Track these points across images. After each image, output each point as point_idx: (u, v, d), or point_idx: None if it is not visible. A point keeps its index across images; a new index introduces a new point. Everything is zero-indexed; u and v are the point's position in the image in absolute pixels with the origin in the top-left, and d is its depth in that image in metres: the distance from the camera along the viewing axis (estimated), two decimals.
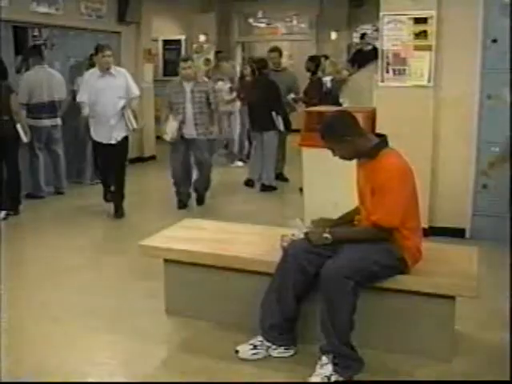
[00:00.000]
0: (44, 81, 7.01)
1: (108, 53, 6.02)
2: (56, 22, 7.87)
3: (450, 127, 5.25)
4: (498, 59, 5.06)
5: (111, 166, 6.33)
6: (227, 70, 9.49)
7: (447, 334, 3.17)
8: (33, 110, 6.90)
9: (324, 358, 3.00)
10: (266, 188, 7.50)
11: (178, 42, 12.93)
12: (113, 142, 6.15)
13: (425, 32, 5.14)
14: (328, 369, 2.97)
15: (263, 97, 7.29)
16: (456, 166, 5.29)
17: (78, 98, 6.24)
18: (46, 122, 7.07)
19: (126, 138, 6.26)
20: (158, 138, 8.74)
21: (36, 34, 7.90)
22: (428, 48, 5.15)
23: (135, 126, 6.22)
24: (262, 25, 14.65)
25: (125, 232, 5.81)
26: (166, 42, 12.86)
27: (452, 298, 3.13)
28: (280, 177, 7.98)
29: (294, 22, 14.42)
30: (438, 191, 5.35)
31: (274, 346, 3.22)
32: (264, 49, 8.94)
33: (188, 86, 6.38)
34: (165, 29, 12.52)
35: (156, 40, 12.08)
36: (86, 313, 3.87)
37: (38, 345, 3.43)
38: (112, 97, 6.06)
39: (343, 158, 3.17)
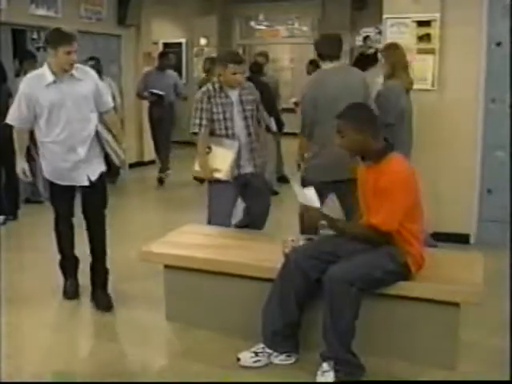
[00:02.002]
0: None
1: (74, 46, 3.72)
2: (55, 24, 7.85)
3: (454, 131, 5.25)
4: (502, 62, 5.06)
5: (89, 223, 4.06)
6: None
7: (451, 341, 3.17)
8: None
9: (325, 365, 3.01)
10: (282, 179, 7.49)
11: (179, 45, 12.96)
12: (84, 183, 3.95)
13: (428, 35, 5.16)
14: (329, 376, 2.97)
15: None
16: (460, 170, 5.28)
17: (9, 119, 3.89)
18: None
19: (103, 175, 4.02)
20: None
21: (35, 37, 7.92)
22: (431, 51, 5.16)
23: (122, 155, 4.03)
24: (264, 27, 14.68)
25: (125, 237, 5.81)
26: (166, 45, 12.88)
27: (457, 304, 3.13)
28: (282, 179, 8.02)
29: (296, 25, 14.44)
30: (442, 196, 5.34)
31: (275, 353, 3.22)
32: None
33: (234, 94, 4.31)
34: (165, 32, 12.56)
35: (156, 43, 12.11)
36: (86, 319, 3.87)
37: (38, 352, 3.43)
38: (77, 112, 3.82)
39: (346, 148, 3.15)
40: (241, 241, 3.85)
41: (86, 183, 3.92)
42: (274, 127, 7.33)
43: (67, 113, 3.78)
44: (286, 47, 15.21)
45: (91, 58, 8.00)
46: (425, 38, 5.15)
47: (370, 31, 11.94)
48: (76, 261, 4.24)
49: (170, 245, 3.81)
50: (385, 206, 2.98)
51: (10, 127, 3.75)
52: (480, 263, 3.40)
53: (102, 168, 3.99)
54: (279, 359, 3.21)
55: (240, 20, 14.18)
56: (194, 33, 13.05)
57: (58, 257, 4.23)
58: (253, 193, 4.45)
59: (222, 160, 4.23)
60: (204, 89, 4.32)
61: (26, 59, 7.07)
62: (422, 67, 5.18)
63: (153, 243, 3.83)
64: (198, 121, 4.26)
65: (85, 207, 4.01)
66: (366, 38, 11.19)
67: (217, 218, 4.29)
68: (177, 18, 12.71)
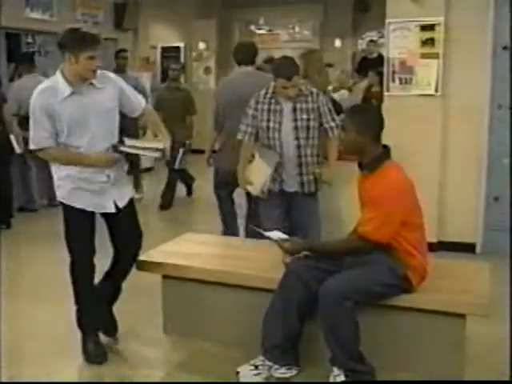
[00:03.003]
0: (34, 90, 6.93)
1: (98, 50, 3.27)
2: (50, 28, 7.92)
3: (459, 138, 5.25)
4: (508, 67, 5.06)
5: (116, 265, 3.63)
6: None
7: (457, 354, 3.15)
8: (23, 121, 6.88)
9: (335, 369, 3.04)
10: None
11: (177, 49, 12.98)
12: (110, 210, 3.46)
13: (432, 39, 5.16)
14: (341, 378, 3.02)
15: None
16: (466, 178, 5.28)
17: (33, 143, 3.32)
18: None
19: (132, 200, 3.59)
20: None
21: (30, 40, 7.95)
22: (435, 56, 5.17)
23: (160, 146, 3.45)
24: (264, 32, 14.72)
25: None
26: (164, 50, 12.90)
27: (462, 316, 3.12)
28: None
29: (297, 29, 14.49)
30: (447, 204, 5.34)
31: (276, 366, 3.20)
32: (265, 57, 8.95)
33: (287, 101, 4.01)
34: (163, 36, 12.58)
35: (154, 47, 12.14)
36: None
37: (33, 361, 3.43)
38: (102, 127, 3.34)
39: (345, 145, 3.19)
40: (240, 250, 3.85)
41: (113, 210, 3.42)
42: None
43: (90, 129, 3.28)
44: (286, 52, 15.18)
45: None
46: (428, 42, 5.16)
47: (372, 35, 11.99)
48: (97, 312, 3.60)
49: (169, 254, 3.80)
50: (376, 216, 2.99)
51: (6, 133, 3.54)
52: (486, 273, 3.39)
53: (131, 193, 3.60)
54: (279, 372, 3.20)
55: (240, 24, 14.22)
56: (193, 37, 13.07)
57: (75, 308, 3.56)
58: (297, 214, 4.16)
59: (258, 173, 4.06)
60: (257, 93, 4.11)
61: (22, 63, 7.05)
62: (425, 72, 5.18)
63: (150, 252, 3.82)
64: (243, 127, 4.14)
65: (116, 239, 3.57)
66: (369, 43, 11.24)
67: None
68: (175, 21, 12.73)
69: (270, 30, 14.71)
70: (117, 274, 3.63)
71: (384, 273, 3.04)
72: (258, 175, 4.06)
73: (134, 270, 3.79)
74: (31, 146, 3.34)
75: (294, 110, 3.98)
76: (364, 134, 3.05)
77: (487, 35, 5.10)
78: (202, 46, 13.04)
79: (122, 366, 3.44)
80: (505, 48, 5.08)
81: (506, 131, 5.12)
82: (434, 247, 4.67)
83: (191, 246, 3.96)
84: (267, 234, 3.34)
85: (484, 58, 5.13)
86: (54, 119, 3.23)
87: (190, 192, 8.02)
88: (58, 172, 3.39)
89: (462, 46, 5.15)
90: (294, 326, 3.17)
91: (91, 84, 3.29)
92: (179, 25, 12.94)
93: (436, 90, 5.20)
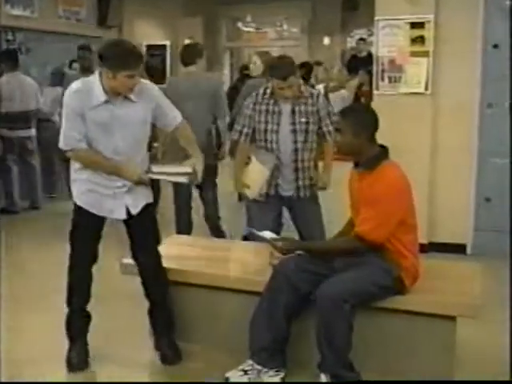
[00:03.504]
0: (16, 89, 6.91)
1: (137, 71, 3.18)
2: (31, 25, 7.88)
3: (449, 137, 5.28)
4: (499, 66, 5.11)
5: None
6: None
7: (448, 356, 3.17)
8: (4, 120, 6.86)
9: (323, 376, 3.04)
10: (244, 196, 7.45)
11: (163, 47, 12.94)
12: (121, 216, 3.39)
13: (422, 37, 5.19)
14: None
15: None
16: (456, 178, 5.32)
17: (64, 144, 3.25)
18: (20, 133, 7.01)
19: (149, 207, 3.49)
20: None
21: (10, 38, 7.89)
22: (425, 54, 5.20)
23: (189, 170, 3.36)
24: (251, 29, 14.74)
25: (105, 249, 5.77)
26: (149, 48, 12.86)
27: (453, 318, 3.13)
28: None
29: (285, 27, 14.52)
30: (437, 205, 5.37)
31: (264, 369, 3.20)
32: (252, 54, 9.00)
33: (286, 103, 3.96)
34: (148, 33, 12.53)
35: (139, 45, 12.11)
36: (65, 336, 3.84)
37: (19, 370, 3.41)
38: (128, 138, 3.27)
39: (341, 147, 3.20)
40: (228, 252, 3.85)
41: (124, 216, 3.36)
42: None
43: (116, 138, 3.23)
44: (274, 50, 15.25)
45: (74, 61, 7.96)
46: (418, 40, 5.19)
47: (361, 33, 12.02)
48: (88, 318, 3.50)
49: None
50: (374, 215, 3.00)
51: None
52: (477, 275, 3.42)
53: (148, 199, 3.44)
54: (268, 375, 3.20)
55: (226, 21, 14.23)
56: (179, 35, 13.04)
57: (66, 310, 3.48)
58: (300, 220, 4.15)
59: (255, 176, 3.99)
60: (254, 93, 4.07)
61: (5, 61, 6.99)
62: (415, 70, 5.21)
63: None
64: (239, 127, 4.08)
65: (134, 248, 3.48)
66: (358, 41, 11.28)
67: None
68: (161, 18, 12.70)
69: (257, 28, 14.74)
70: (151, 295, 3.52)
71: (379, 274, 3.06)
72: (254, 179, 3.99)
73: (118, 274, 3.78)
74: (61, 146, 3.26)
75: (293, 112, 3.92)
76: (360, 135, 3.07)
77: (477, 33, 5.14)
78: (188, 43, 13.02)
79: (106, 370, 3.42)
80: (495, 46, 5.12)
81: (496, 130, 5.16)
82: (424, 248, 4.70)
83: (177, 249, 3.96)
84: (260, 233, 3.35)
85: (474, 56, 5.17)
86: (85, 121, 3.18)
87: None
88: (78, 172, 3.34)
89: (452, 44, 5.19)
90: (281, 328, 3.17)
91: (126, 97, 3.23)
92: (165, 22, 12.91)
93: (426, 89, 5.23)
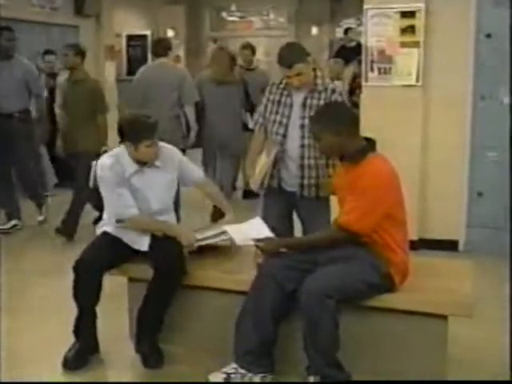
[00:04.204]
0: None
1: (155, 138, 3.52)
2: (2, 13, 7.77)
3: (441, 130, 5.31)
4: (492, 56, 5.13)
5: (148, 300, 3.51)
6: None
7: (439, 356, 3.18)
8: None
9: (311, 378, 3.04)
10: (248, 194, 7.48)
11: (144, 37, 12.89)
12: (143, 248, 3.60)
13: (412, 27, 5.20)
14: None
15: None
16: (448, 172, 5.34)
17: (118, 215, 3.56)
18: None
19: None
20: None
21: None
22: (416, 44, 5.21)
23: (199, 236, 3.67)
24: (236, 19, 14.71)
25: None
26: (129, 38, 12.82)
27: (444, 317, 3.15)
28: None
29: (271, 16, 14.50)
30: (428, 200, 5.40)
31: (249, 374, 3.18)
32: (238, 45, 8.94)
33: (298, 96, 3.87)
34: (128, 23, 12.49)
35: (119, 35, 12.05)
36: (42, 339, 3.82)
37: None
38: (156, 201, 3.64)
39: (325, 152, 3.25)
40: (211, 250, 3.84)
41: (145, 248, 3.56)
42: (250, 123, 7.30)
43: (150, 202, 3.60)
44: (260, 40, 15.24)
45: (48, 52, 7.91)
46: (409, 29, 5.20)
47: (350, 23, 12.03)
48: (95, 318, 3.54)
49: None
50: (358, 206, 3.02)
51: None
52: (469, 272, 3.44)
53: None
54: (252, 380, 3.20)
55: (210, 10, 14.20)
56: (161, 24, 13.02)
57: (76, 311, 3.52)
58: (304, 220, 4.08)
59: (259, 167, 3.98)
60: (272, 82, 4.07)
61: None
62: (405, 61, 5.22)
63: None
64: (256, 116, 4.10)
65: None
66: (347, 30, 11.28)
67: None
68: (141, 7, 12.66)
69: (242, 17, 14.70)
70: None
71: (367, 270, 3.07)
72: (258, 168, 3.98)
73: None
74: (116, 218, 3.56)
75: (304, 105, 3.81)
76: (339, 133, 3.08)
77: (470, 22, 5.16)
78: (170, 33, 12.99)
79: (85, 375, 3.41)
80: (488, 36, 5.14)
81: (489, 123, 5.19)
82: (414, 245, 4.71)
83: None
84: (246, 225, 3.37)
85: (467, 46, 5.19)
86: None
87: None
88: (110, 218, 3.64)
89: (443, 34, 5.21)
90: (267, 330, 3.16)
91: (152, 164, 3.59)
92: (146, 11, 12.87)
93: (417, 80, 5.24)
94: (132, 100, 5.99)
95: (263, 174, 3.92)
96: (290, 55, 3.77)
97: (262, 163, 3.95)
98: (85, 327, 3.51)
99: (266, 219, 3.86)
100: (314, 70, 3.87)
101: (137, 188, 3.56)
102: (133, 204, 3.49)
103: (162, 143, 3.66)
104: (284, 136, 3.86)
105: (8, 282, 4.63)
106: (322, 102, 3.77)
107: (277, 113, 3.90)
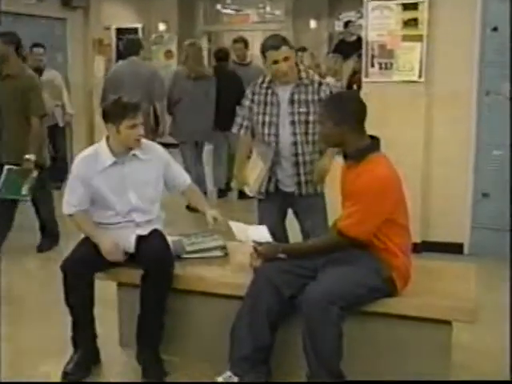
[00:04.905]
0: None
1: (139, 117, 3.52)
2: None
3: (445, 128, 5.31)
4: (498, 50, 5.13)
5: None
6: None
7: (443, 363, 3.19)
8: None
9: None
10: (244, 195, 7.48)
11: (135, 30, 12.86)
12: (128, 250, 3.61)
13: (415, 20, 5.20)
14: None
15: (225, 90, 7.34)
16: (452, 172, 5.34)
17: (66, 209, 3.62)
18: None
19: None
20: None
21: None
22: (419, 38, 5.21)
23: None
24: (231, 12, 14.70)
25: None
26: (119, 31, 12.79)
27: (448, 323, 3.16)
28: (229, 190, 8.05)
29: (268, 9, 14.51)
30: (431, 201, 5.40)
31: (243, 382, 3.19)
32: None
33: (285, 92, 3.91)
34: (118, 15, 12.48)
35: (108, 28, 12.04)
36: (31, 345, 3.82)
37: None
38: (138, 199, 3.61)
39: (322, 138, 3.27)
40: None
41: (132, 250, 3.59)
42: None
43: (130, 197, 3.57)
44: (256, 34, 15.25)
45: (36, 45, 7.88)
46: (411, 22, 5.20)
47: (350, 16, 12.03)
48: (93, 324, 3.54)
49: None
50: (355, 211, 3.03)
51: None
52: (474, 276, 3.45)
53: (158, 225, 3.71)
54: None
55: (204, 3, 14.17)
56: (152, 17, 13.01)
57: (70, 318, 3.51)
58: (301, 219, 4.14)
59: (254, 171, 4.00)
60: (254, 82, 4.08)
61: None
62: (407, 56, 5.22)
63: None
64: (239, 120, 4.11)
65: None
66: (347, 24, 11.29)
67: None
68: None
69: (238, 10, 14.70)
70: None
71: (369, 274, 3.07)
72: (253, 173, 3.99)
73: None
74: (63, 211, 3.66)
75: (292, 102, 3.86)
76: (340, 125, 3.07)
77: (475, 15, 5.15)
78: (162, 27, 12.99)
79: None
80: (494, 29, 5.13)
81: (495, 120, 5.19)
82: (417, 248, 4.74)
83: None
84: (251, 227, 3.43)
85: (472, 40, 5.18)
86: (89, 189, 3.54)
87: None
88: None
89: (447, 27, 5.20)
90: (264, 337, 3.16)
91: (134, 155, 3.57)
92: (136, 3, 12.86)
93: (419, 76, 5.24)
94: (106, 97, 6.50)
95: (260, 180, 3.96)
96: (276, 39, 3.86)
97: (257, 169, 3.96)
98: (83, 334, 3.50)
99: (261, 224, 3.85)
100: (297, 64, 3.92)
101: (115, 182, 3.53)
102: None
103: (150, 141, 3.73)
104: (276, 135, 3.89)
105: None
106: (310, 96, 3.84)
107: (264, 114, 3.93)
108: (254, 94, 4.00)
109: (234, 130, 4.16)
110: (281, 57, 3.75)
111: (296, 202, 4.05)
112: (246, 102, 4.04)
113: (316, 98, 3.84)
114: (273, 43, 3.81)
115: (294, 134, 3.88)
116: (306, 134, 3.89)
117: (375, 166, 3.06)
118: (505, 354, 3.37)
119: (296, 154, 3.92)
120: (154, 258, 3.44)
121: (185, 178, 3.85)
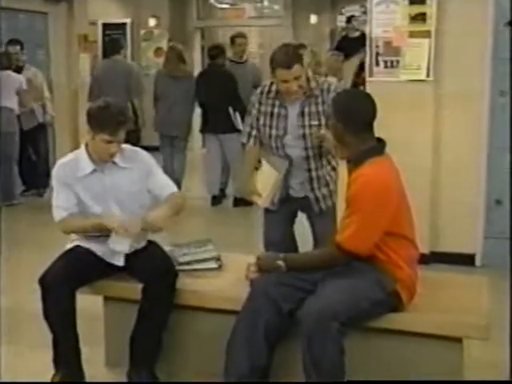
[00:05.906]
0: None
1: (119, 135, 3.47)
2: None
3: (455, 130, 5.32)
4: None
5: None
6: None
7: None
8: None
9: None
10: (239, 202, 7.49)
11: (122, 26, 12.90)
12: (118, 262, 3.62)
13: (423, 15, 5.21)
14: None
15: (219, 90, 7.35)
16: (462, 177, 5.35)
17: (57, 216, 3.58)
18: None
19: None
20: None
21: None
22: (427, 34, 5.22)
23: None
24: (227, 6, 14.71)
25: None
26: (106, 27, 12.81)
27: (459, 340, 3.16)
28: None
29: (265, 3, 14.52)
30: (440, 208, 5.40)
31: None
32: (228, 35, 8.94)
33: (294, 104, 3.90)
34: (105, 10, 12.49)
35: (94, 23, 12.05)
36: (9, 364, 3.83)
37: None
38: (120, 209, 3.58)
39: (331, 132, 3.23)
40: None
41: (121, 263, 3.58)
42: (239, 125, 7.32)
43: (113, 209, 3.56)
44: (253, 30, 15.27)
45: (12, 41, 7.90)
46: (419, 18, 5.20)
47: (354, 10, 12.05)
48: (76, 341, 3.47)
49: None
50: (352, 221, 3.03)
51: None
52: (486, 289, 3.45)
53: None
54: None
55: None
56: (142, 12, 13.01)
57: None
58: (313, 220, 4.22)
59: (266, 182, 4.02)
60: (261, 88, 4.06)
61: None
62: (414, 54, 5.23)
63: None
64: (247, 129, 4.13)
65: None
66: (350, 19, 11.30)
67: (269, 236, 4.25)
68: None
69: (233, 4, 14.71)
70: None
71: (371, 287, 3.07)
72: (266, 184, 4.01)
73: None
74: (55, 220, 3.59)
75: (302, 114, 3.86)
76: (342, 121, 3.08)
77: (488, 9, 5.16)
78: (152, 22, 12.99)
79: None
80: (509, 24, 5.12)
81: (509, 121, 5.18)
82: (425, 259, 4.73)
83: None
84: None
85: (484, 37, 5.19)
86: (73, 195, 3.53)
87: None
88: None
89: (457, 22, 5.21)
90: (261, 354, 3.15)
91: (114, 163, 3.54)
92: None
93: (427, 75, 5.25)
94: (92, 95, 7.68)
95: (275, 191, 4.00)
96: (289, 56, 3.76)
97: (270, 179, 3.98)
98: (66, 353, 3.46)
99: (268, 234, 4.21)
100: (306, 75, 3.91)
101: (96, 192, 3.53)
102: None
103: (135, 148, 3.71)
104: (283, 149, 3.92)
105: None
106: (320, 107, 3.85)
107: (271, 127, 3.95)
108: (260, 103, 3.99)
109: (244, 139, 4.18)
110: (292, 76, 3.72)
111: (309, 206, 4.09)
112: (253, 111, 4.05)
113: (326, 108, 3.78)
114: (284, 61, 3.72)
115: (306, 148, 3.89)
116: (319, 147, 3.89)
117: (372, 171, 3.04)
118: None
119: (309, 170, 3.96)
120: (156, 271, 3.45)
121: (170, 188, 3.72)
